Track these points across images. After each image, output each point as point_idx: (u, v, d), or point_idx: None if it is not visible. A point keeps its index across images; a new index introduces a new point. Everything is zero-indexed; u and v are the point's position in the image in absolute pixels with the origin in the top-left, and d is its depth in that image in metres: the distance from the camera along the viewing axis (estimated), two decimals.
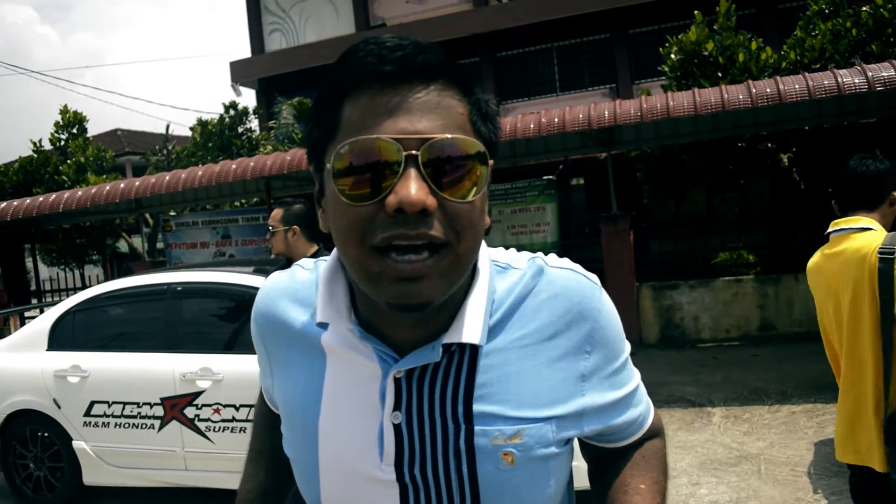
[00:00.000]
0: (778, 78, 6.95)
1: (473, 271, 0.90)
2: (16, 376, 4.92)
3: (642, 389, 1.05)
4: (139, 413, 4.51)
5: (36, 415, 4.86)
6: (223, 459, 4.33)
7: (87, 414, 4.68)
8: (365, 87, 0.79)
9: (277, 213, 3.69)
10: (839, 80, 6.58)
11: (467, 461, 0.87)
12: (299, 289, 1.00)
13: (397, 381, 0.89)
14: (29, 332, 5.08)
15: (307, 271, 1.02)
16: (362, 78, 0.79)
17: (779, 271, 8.41)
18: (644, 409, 1.04)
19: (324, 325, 0.93)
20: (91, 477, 4.80)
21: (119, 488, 4.85)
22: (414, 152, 0.76)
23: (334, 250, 0.93)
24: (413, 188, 0.75)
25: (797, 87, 6.70)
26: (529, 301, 0.92)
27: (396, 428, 0.89)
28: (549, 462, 0.91)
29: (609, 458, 1.07)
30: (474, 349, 0.89)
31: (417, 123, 0.77)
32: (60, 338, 4.91)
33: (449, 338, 0.87)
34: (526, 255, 0.98)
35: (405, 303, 0.80)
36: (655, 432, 1.09)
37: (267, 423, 1.19)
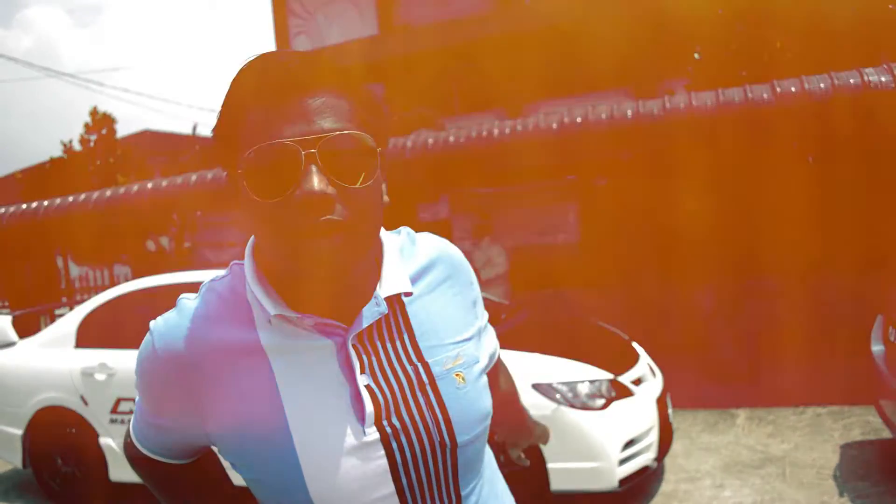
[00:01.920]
0: (803, 77, 6.88)
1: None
2: (44, 373, 5.01)
3: None
4: None
5: (64, 411, 4.94)
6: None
7: (114, 411, 4.75)
8: (262, 97, 0.91)
9: None
10: (865, 78, 6.50)
11: (432, 390, 1.03)
12: (208, 311, 1.04)
13: (354, 346, 1.01)
14: (57, 330, 5.17)
15: (196, 298, 1.07)
16: (259, 89, 0.91)
17: (803, 271, 8.30)
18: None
19: (271, 321, 0.99)
20: (117, 473, 4.87)
21: (145, 485, 4.90)
22: (312, 150, 0.89)
23: (245, 259, 1.05)
24: (315, 181, 0.88)
25: (822, 85, 6.63)
26: (420, 259, 1.12)
27: (367, 388, 1.00)
28: (482, 377, 1.12)
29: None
30: (400, 301, 1.06)
31: (312, 125, 0.90)
32: (88, 335, 4.99)
33: (385, 292, 1.02)
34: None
35: (318, 277, 0.93)
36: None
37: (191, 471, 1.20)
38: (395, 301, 1.06)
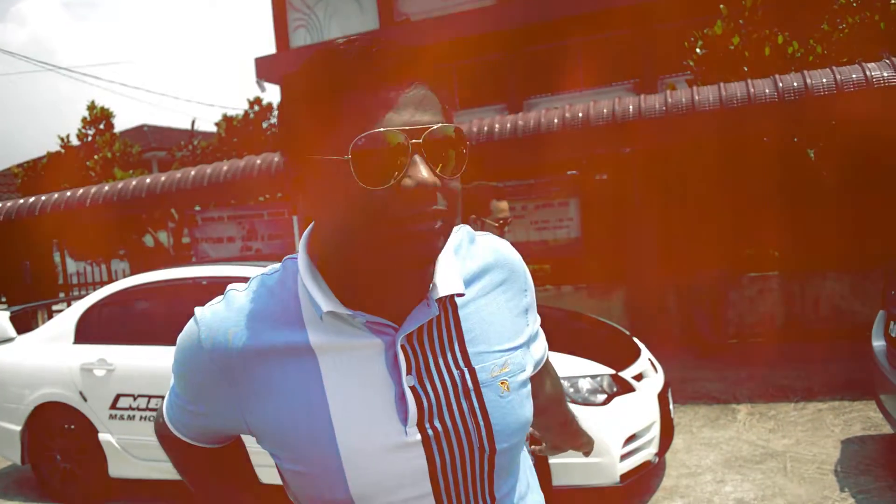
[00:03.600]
0: (805, 72, 6.87)
1: None
2: (43, 369, 5.00)
3: None
4: None
5: (63, 407, 4.94)
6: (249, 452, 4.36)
7: (113, 407, 4.75)
8: (363, 83, 0.90)
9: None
10: (867, 73, 6.49)
11: (476, 396, 1.03)
12: (256, 307, 1.03)
13: (402, 346, 1.00)
14: (56, 325, 5.16)
15: (246, 290, 1.07)
16: (365, 75, 0.90)
17: (805, 268, 8.32)
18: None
19: (322, 317, 0.98)
20: (117, 469, 4.87)
21: (144, 480, 4.90)
22: (418, 140, 0.89)
23: (299, 253, 1.04)
24: (424, 171, 0.89)
25: (824, 80, 6.62)
26: (477, 261, 1.11)
27: (412, 390, 1.00)
28: (526, 385, 1.11)
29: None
30: (453, 303, 1.05)
31: (416, 115, 0.91)
32: (87, 331, 4.98)
33: (438, 293, 1.01)
34: None
35: (419, 261, 0.94)
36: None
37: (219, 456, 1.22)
38: (448, 302, 1.05)
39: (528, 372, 1.14)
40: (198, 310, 1.07)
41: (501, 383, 1.06)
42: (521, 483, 1.17)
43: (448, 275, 1.04)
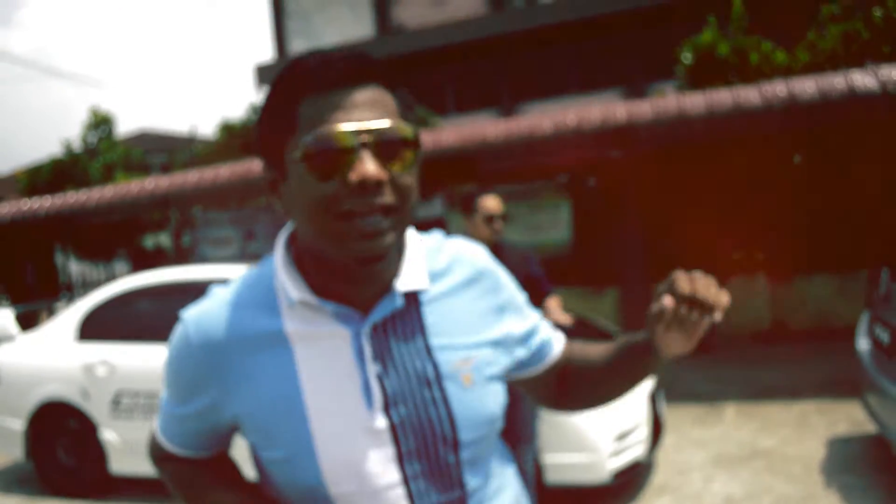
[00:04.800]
0: (790, 79, 6.99)
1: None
2: (46, 367, 5.07)
3: (546, 323, 1.35)
4: None
5: (65, 405, 5.01)
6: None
7: (115, 404, 4.82)
8: (318, 89, 0.98)
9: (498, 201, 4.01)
10: (851, 81, 6.61)
11: (438, 387, 1.09)
12: (237, 299, 1.11)
13: (369, 336, 1.07)
14: (59, 324, 5.22)
15: (228, 287, 1.15)
16: (316, 82, 0.98)
17: (791, 270, 8.41)
18: (553, 331, 1.35)
19: (294, 306, 1.06)
20: (117, 466, 4.94)
21: (145, 478, 4.96)
22: (367, 139, 0.96)
23: (277, 248, 1.12)
24: (370, 166, 0.95)
25: (808, 88, 6.74)
26: (442, 260, 1.17)
27: (378, 378, 1.06)
28: (495, 383, 1.16)
29: (559, 368, 1.36)
30: (417, 298, 1.11)
31: (365, 116, 0.98)
32: (90, 330, 5.05)
33: (403, 286, 1.08)
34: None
35: (369, 255, 1.00)
36: None
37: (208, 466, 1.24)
38: (412, 296, 1.11)
39: (500, 368, 1.19)
40: (184, 312, 1.14)
41: (464, 377, 1.11)
42: (494, 479, 1.19)
43: (415, 270, 1.11)
